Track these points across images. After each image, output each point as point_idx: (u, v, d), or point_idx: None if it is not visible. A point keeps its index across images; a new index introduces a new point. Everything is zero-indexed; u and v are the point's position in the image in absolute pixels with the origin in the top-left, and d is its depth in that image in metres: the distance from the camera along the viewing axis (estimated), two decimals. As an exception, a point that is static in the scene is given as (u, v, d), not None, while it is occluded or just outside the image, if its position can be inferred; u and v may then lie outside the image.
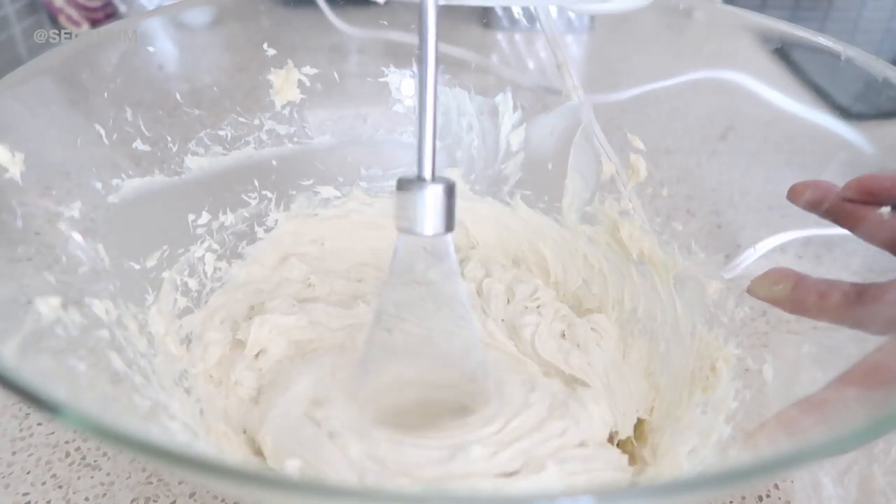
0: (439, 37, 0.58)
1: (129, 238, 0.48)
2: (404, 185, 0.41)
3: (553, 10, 0.62)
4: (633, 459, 0.48)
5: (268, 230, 0.59)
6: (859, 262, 0.43)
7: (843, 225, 0.42)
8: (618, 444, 0.49)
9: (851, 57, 0.46)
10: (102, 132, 0.48)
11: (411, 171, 0.59)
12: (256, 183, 0.58)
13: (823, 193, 0.42)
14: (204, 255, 0.55)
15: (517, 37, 0.64)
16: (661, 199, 0.56)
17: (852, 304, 0.38)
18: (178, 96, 0.53)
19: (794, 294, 0.41)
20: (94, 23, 1.00)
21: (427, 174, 0.40)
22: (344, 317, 0.56)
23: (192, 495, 0.47)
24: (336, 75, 0.59)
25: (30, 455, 0.49)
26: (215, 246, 0.56)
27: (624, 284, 0.58)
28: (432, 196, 0.40)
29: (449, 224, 0.41)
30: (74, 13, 0.98)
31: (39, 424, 0.51)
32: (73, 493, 0.47)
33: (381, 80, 0.60)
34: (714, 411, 0.44)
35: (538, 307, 0.57)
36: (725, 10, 0.54)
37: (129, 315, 0.44)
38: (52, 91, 0.45)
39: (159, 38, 0.52)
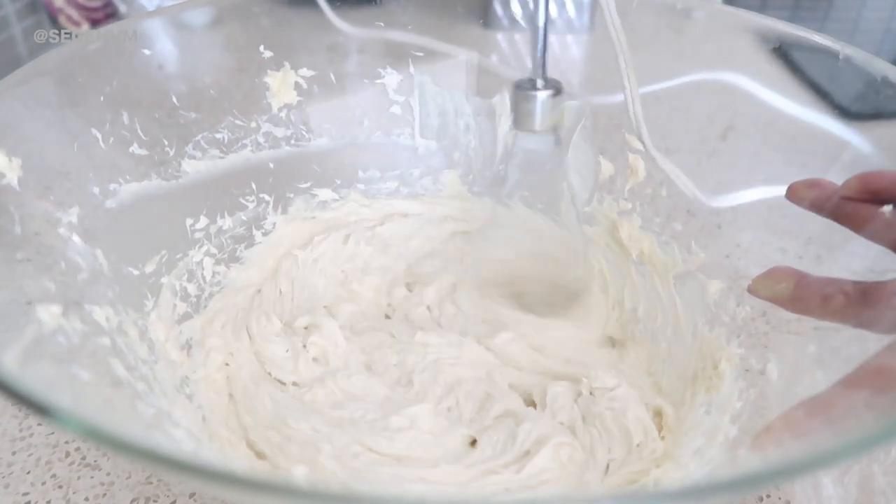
0: (437, 36, 0.58)
1: (128, 243, 0.48)
2: (520, 87, 0.49)
3: (554, 11, 0.62)
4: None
5: (266, 233, 0.59)
6: (860, 261, 0.43)
7: (843, 224, 0.42)
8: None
9: (850, 56, 0.46)
10: (99, 136, 0.47)
11: (409, 171, 0.60)
12: (254, 186, 0.58)
13: (823, 193, 0.42)
14: (202, 260, 0.54)
15: (517, 37, 0.64)
16: (661, 199, 0.56)
17: (855, 303, 0.38)
18: (174, 99, 0.53)
19: (796, 293, 0.40)
20: (94, 23, 1.00)
21: (540, 78, 0.49)
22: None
23: (192, 495, 0.47)
24: (333, 77, 0.59)
25: (30, 455, 0.49)
26: (213, 250, 0.55)
27: (624, 284, 0.58)
28: (542, 100, 0.49)
29: (558, 125, 0.51)
30: (74, 13, 0.98)
31: (39, 424, 0.51)
32: (73, 493, 0.47)
33: (379, 81, 0.60)
34: (719, 411, 0.44)
35: None
36: (725, 10, 0.54)
37: (130, 321, 0.44)
38: (50, 94, 0.45)
39: (159, 38, 0.52)
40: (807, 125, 0.49)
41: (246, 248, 0.58)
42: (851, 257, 0.44)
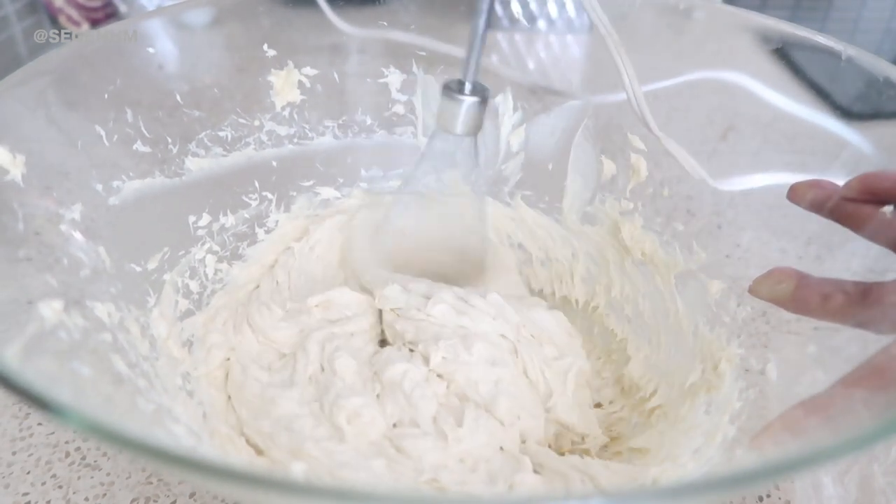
0: (440, 36, 0.59)
1: (130, 240, 0.48)
2: (449, 88, 0.51)
3: (554, 10, 0.62)
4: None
5: (268, 231, 0.59)
6: (860, 261, 0.43)
7: (844, 224, 0.42)
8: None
9: (852, 56, 0.46)
10: (103, 133, 0.47)
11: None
12: (257, 184, 0.58)
13: (824, 193, 0.42)
14: (205, 257, 0.55)
15: (517, 37, 0.64)
16: (662, 199, 0.56)
17: (856, 304, 0.38)
18: (178, 97, 0.53)
19: (797, 294, 0.40)
20: (94, 23, 1.00)
21: (468, 83, 0.50)
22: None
23: (192, 495, 0.47)
24: (336, 76, 0.59)
25: (30, 455, 0.49)
26: (216, 247, 0.55)
27: (624, 284, 0.58)
28: (468, 105, 0.50)
29: (476, 127, 0.52)
30: (74, 13, 0.98)
31: (39, 424, 0.51)
32: (73, 493, 0.47)
33: (381, 80, 0.60)
34: (718, 411, 0.44)
35: None
36: (725, 9, 0.54)
37: (131, 318, 0.44)
38: (53, 92, 0.45)
39: (160, 38, 0.52)
40: (807, 125, 0.49)
41: (248, 245, 0.58)
42: (851, 257, 0.44)
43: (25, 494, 0.47)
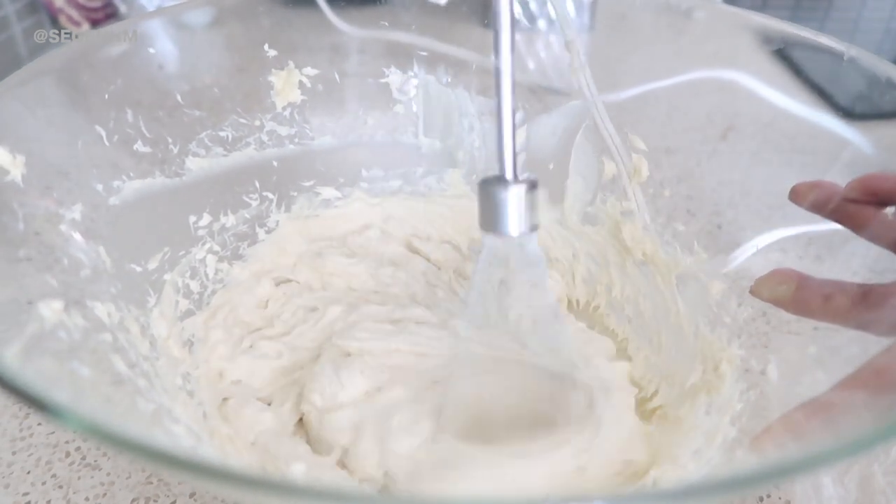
0: (440, 36, 0.58)
1: (131, 240, 0.48)
2: (487, 184, 0.40)
3: (552, 11, 0.62)
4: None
5: (269, 231, 0.59)
6: (860, 262, 0.43)
7: (846, 225, 0.41)
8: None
9: (855, 57, 0.46)
10: (103, 133, 0.47)
11: (412, 170, 0.59)
12: (257, 184, 0.58)
13: (826, 194, 0.42)
14: (205, 257, 0.55)
15: (517, 37, 0.64)
16: (663, 200, 0.56)
17: (857, 305, 0.38)
18: (178, 97, 0.53)
19: (798, 295, 0.40)
20: (94, 23, 1.00)
21: (509, 175, 0.40)
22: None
23: (192, 495, 0.47)
24: (337, 76, 0.59)
25: (30, 455, 0.49)
26: (216, 247, 0.55)
27: (625, 284, 0.58)
28: (515, 196, 0.39)
29: (534, 223, 0.41)
30: (74, 13, 0.98)
31: (39, 424, 0.51)
32: (73, 493, 0.47)
33: (382, 80, 0.60)
34: (719, 412, 0.44)
35: None
36: (725, 9, 0.54)
37: (132, 318, 0.44)
38: (53, 92, 0.45)
39: (160, 38, 0.52)
40: (807, 125, 0.49)
41: (249, 245, 0.58)
42: (851, 257, 0.44)
43: (25, 494, 0.47)
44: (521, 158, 0.61)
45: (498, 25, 0.38)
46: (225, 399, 0.49)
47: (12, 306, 0.36)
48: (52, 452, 0.50)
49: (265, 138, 0.58)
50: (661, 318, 0.54)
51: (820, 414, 0.32)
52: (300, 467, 0.41)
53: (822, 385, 0.34)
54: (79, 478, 0.48)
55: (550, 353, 0.49)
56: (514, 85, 0.39)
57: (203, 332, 0.52)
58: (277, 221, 0.60)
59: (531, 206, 0.40)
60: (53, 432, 0.51)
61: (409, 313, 0.56)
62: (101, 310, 0.41)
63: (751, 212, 0.52)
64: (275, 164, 0.59)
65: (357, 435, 0.45)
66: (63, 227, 0.42)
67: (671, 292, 0.54)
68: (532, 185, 0.40)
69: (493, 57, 0.39)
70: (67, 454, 0.50)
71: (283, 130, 0.58)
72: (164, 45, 0.52)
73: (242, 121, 0.56)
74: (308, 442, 0.48)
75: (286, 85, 0.57)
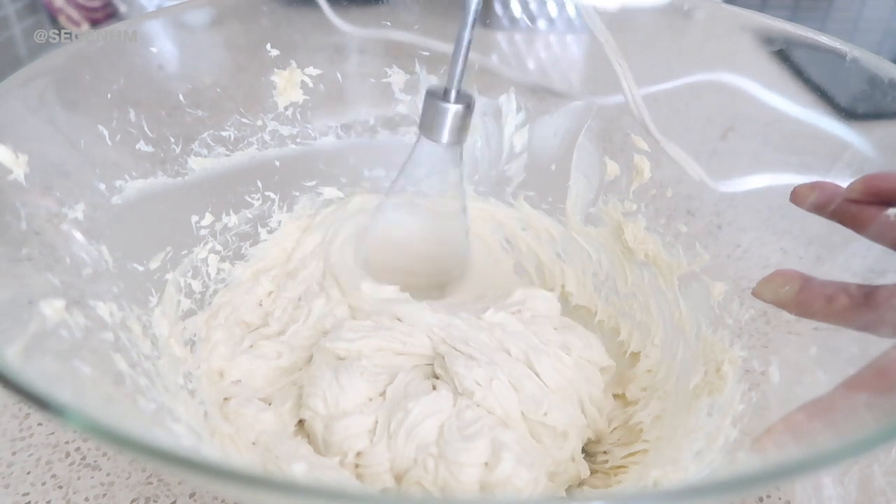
0: (441, 36, 0.58)
1: (133, 239, 0.48)
2: (432, 95, 0.50)
3: (554, 10, 0.62)
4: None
5: (271, 231, 0.59)
6: (860, 262, 0.43)
7: (847, 226, 0.41)
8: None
9: (857, 57, 0.46)
10: (105, 133, 0.47)
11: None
12: (259, 184, 0.58)
13: (827, 195, 0.42)
14: (207, 257, 0.55)
15: (517, 37, 0.64)
16: (665, 200, 0.56)
17: (859, 306, 0.38)
18: (180, 97, 0.53)
19: (800, 296, 0.40)
20: (94, 23, 1.00)
21: (453, 89, 0.49)
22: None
23: (192, 495, 0.47)
24: (339, 76, 0.59)
25: (30, 455, 0.49)
26: (218, 247, 0.56)
27: (627, 285, 0.58)
28: (454, 112, 0.49)
29: (462, 136, 0.51)
30: (74, 13, 0.98)
31: (39, 424, 0.51)
32: (73, 493, 0.47)
33: (384, 80, 0.60)
34: (720, 414, 0.44)
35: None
36: (726, 10, 0.54)
37: (133, 317, 0.44)
38: (55, 92, 0.45)
39: (160, 38, 0.52)
40: (807, 125, 0.49)
41: (251, 245, 0.58)
42: (852, 257, 0.44)
43: (25, 494, 0.47)
44: (522, 159, 0.61)
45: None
46: (226, 399, 0.49)
47: (14, 305, 0.36)
48: (52, 452, 0.50)
49: (267, 138, 0.58)
50: (664, 319, 0.54)
51: (822, 415, 0.32)
52: (301, 467, 0.41)
53: (824, 386, 0.34)
54: (79, 478, 0.48)
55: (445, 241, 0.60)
56: (476, 20, 0.47)
57: (205, 331, 0.52)
58: (279, 221, 0.60)
59: (463, 124, 0.50)
60: (53, 432, 0.51)
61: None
62: (103, 309, 0.41)
63: (750, 212, 0.52)
64: (277, 163, 0.59)
65: (372, 439, 0.47)
66: (65, 227, 0.43)
67: (673, 294, 0.54)
68: (468, 106, 0.50)
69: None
70: (67, 454, 0.50)
71: (286, 130, 0.58)
72: (164, 45, 0.52)
73: (244, 120, 0.56)
74: (310, 443, 0.48)
75: (288, 84, 0.57)
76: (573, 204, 0.60)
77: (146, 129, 0.50)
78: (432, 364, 0.52)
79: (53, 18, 0.99)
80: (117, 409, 0.35)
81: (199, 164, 0.54)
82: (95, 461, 0.49)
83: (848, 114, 0.47)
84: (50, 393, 0.27)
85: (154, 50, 0.51)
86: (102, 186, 0.47)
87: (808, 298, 0.40)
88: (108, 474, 0.48)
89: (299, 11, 0.57)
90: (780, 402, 0.43)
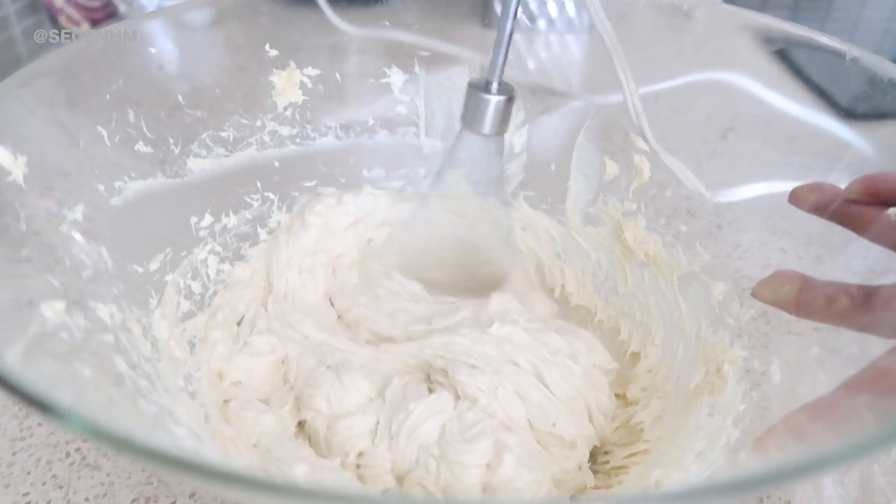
0: (441, 36, 0.58)
1: (132, 241, 0.48)
2: (474, 87, 0.51)
3: (554, 10, 0.62)
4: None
5: (270, 232, 0.59)
6: (860, 262, 0.43)
7: (847, 227, 0.41)
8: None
9: (857, 57, 0.46)
10: (104, 133, 0.47)
11: (414, 171, 0.59)
12: (259, 184, 0.58)
13: (827, 196, 0.42)
14: (207, 258, 0.54)
15: (517, 37, 0.64)
16: (665, 200, 0.56)
17: (860, 307, 0.38)
18: (179, 97, 0.53)
19: (801, 297, 0.40)
20: (94, 23, 1.00)
21: (495, 82, 0.50)
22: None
23: (192, 495, 0.47)
24: (338, 76, 0.59)
25: (30, 455, 0.49)
26: (218, 248, 0.55)
27: (627, 285, 0.58)
28: (496, 103, 0.50)
29: (504, 127, 0.52)
30: (74, 13, 0.98)
31: (39, 425, 0.51)
32: (73, 493, 0.47)
33: (383, 80, 0.60)
34: (721, 414, 0.44)
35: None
36: (726, 9, 0.54)
37: (133, 319, 0.44)
38: (54, 92, 0.45)
39: (160, 38, 0.52)
40: (807, 125, 0.49)
41: (251, 246, 0.58)
42: (852, 258, 0.44)
43: (25, 494, 0.47)
44: (522, 159, 0.61)
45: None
46: (226, 401, 0.49)
47: (14, 307, 0.36)
48: (52, 452, 0.50)
49: (266, 138, 0.58)
50: (664, 319, 0.54)
51: (823, 416, 0.32)
52: (303, 469, 0.41)
53: (825, 386, 0.34)
54: (79, 478, 0.48)
55: (491, 227, 0.60)
56: (517, 9, 0.47)
57: (204, 332, 0.52)
58: (279, 222, 0.60)
59: (505, 115, 0.51)
60: (53, 433, 0.51)
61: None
62: (103, 311, 0.41)
63: (750, 212, 0.52)
64: (276, 164, 0.59)
65: (374, 440, 0.47)
66: (64, 228, 0.42)
67: (673, 294, 0.54)
68: (510, 98, 0.51)
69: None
70: (67, 454, 0.50)
71: (285, 130, 0.58)
72: (164, 45, 0.52)
73: (244, 121, 0.56)
74: (311, 445, 0.48)
75: (287, 85, 0.57)
76: (573, 204, 0.60)
77: (145, 129, 0.50)
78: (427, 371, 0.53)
79: (53, 18, 0.99)
80: (118, 411, 0.35)
81: (199, 165, 0.54)
82: (95, 461, 0.49)
83: (848, 113, 0.47)
84: (50, 395, 0.26)
85: (154, 50, 0.51)
86: (101, 187, 0.47)
87: (808, 299, 0.40)
88: (108, 474, 0.48)
89: (299, 11, 0.57)
90: (781, 402, 0.43)
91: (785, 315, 0.42)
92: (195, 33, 0.54)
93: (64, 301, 0.37)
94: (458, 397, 0.49)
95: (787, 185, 0.44)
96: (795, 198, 0.43)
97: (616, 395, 0.54)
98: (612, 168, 0.58)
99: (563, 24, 0.64)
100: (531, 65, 0.64)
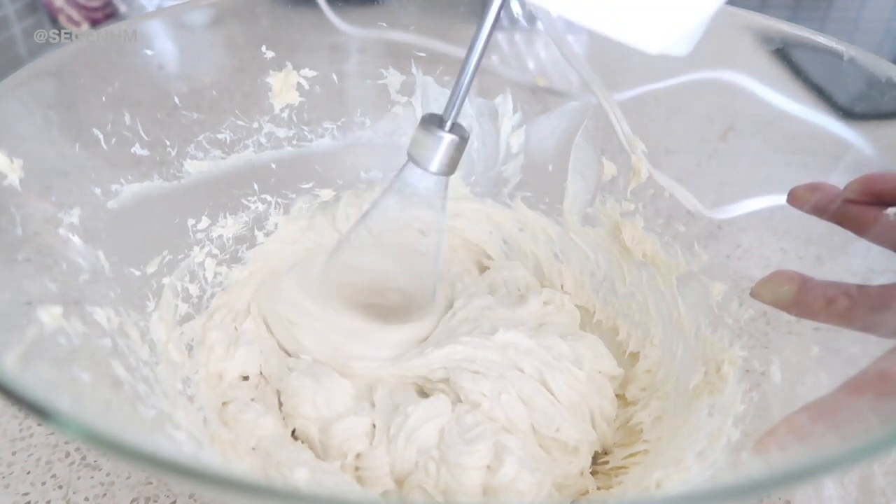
0: (439, 37, 0.58)
1: (129, 244, 0.48)
2: (427, 122, 0.47)
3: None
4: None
5: (268, 234, 0.59)
6: (860, 262, 0.43)
7: (847, 227, 0.41)
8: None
9: (854, 57, 0.46)
10: (101, 136, 0.47)
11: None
12: (256, 186, 0.58)
13: (825, 196, 0.42)
14: (204, 261, 0.54)
15: (517, 37, 0.64)
16: (663, 200, 0.56)
17: (860, 307, 0.38)
18: (176, 99, 0.52)
19: (800, 297, 0.40)
20: (94, 23, 1.00)
21: (450, 119, 0.46)
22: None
23: (191, 496, 0.47)
24: (335, 77, 0.59)
25: (30, 455, 0.49)
26: (215, 251, 0.55)
27: (626, 286, 0.58)
28: (449, 142, 0.47)
29: (451, 168, 0.48)
30: (74, 13, 0.98)
31: (39, 425, 0.51)
32: (73, 493, 0.47)
33: (381, 81, 0.60)
34: (721, 414, 0.44)
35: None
36: (726, 10, 0.53)
37: (131, 322, 0.44)
38: (51, 94, 0.45)
39: (159, 38, 0.51)
40: (807, 125, 0.49)
41: (248, 248, 0.58)
42: (851, 257, 0.44)
43: (25, 494, 0.47)
44: (519, 160, 0.61)
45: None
46: (224, 403, 0.49)
47: (11, 310, 0.36)
48: (52, 452, 0.50)
49: (263, 140, 0.58)
50: (663, 319, 0.54)
51: (825, 417, 0.32)
52: (303, 473, 0.41)
53: (825, 386, 0.34)
54: (79, 478, 0.48)
55: (413, 278, 0.57)
56: (486, 46, 0.43)
57: (201, 334, 0.52)
58: (276, 224, 0.60)
59: (455, 155, 0.48)
60: (53, 433, 0.51)
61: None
62: (101, 314, 0.41)
63: (750, 212, 0.52)
64: (273, 166, 0.58)
65: (371, 442, 0.47)
66: (61, 231, 0.42)
67: (672, 294, 0.54)
68: (463, 139, 0.47)
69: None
70: (67, 454, 0.50)
71: (282, 132, 0.58)
72: (163, 46, 0.52)
73: (241, 123, 0.56)
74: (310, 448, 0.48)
75: (284, 86, 0.57)
76: (570, 204, 0.60)
77: (142, 132, 0.50)
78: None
79: (53, 18, 0.99)
80: (116, 416, 0.35)
81: (195, 168, 0.54)
82: (95, 461, 0.49)
83: (847, 113, 0.47)
84: (48, 400, 0.26)
85: (153, 51, 0.51)
86: (98, 190, 0.46)
87: (807, 299, 0.40)
88: (108, 474, 0.48)
89: (298, 11, 0.57)
90: (781, 402, 0.43)
91: (785, 315, 0.43)
92: (195, 33, 0.54)
93: (61, 305, 0.37)
94: (457, 401, 0.49)
95: (786, 185, 0.44)
96: (795, 198, 0.43)
97: (615, 396, 0.54)
98: (609, 168, 0.58)
99: (564, 23, 0.64)
100: (531, 65, 0.64)
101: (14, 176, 0.40)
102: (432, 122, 0.47)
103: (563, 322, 0.57)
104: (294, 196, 0.60)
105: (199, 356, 0.50)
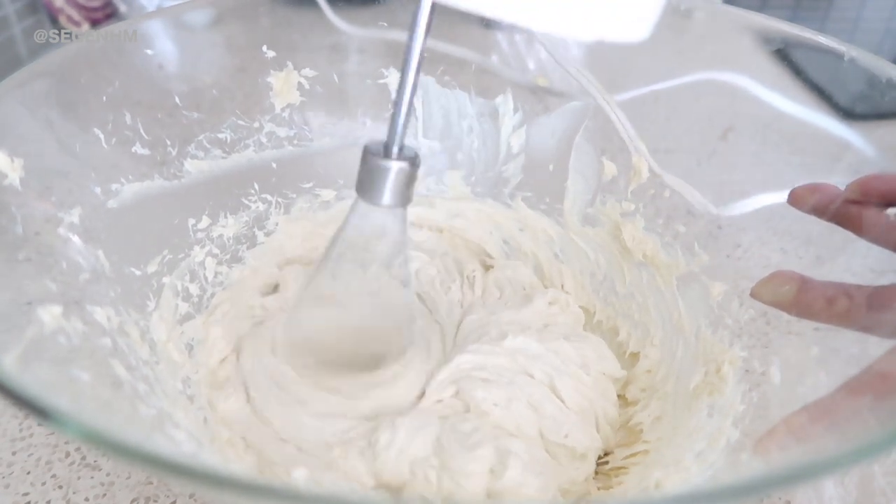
0: (440, 37, 0.58)
1: (130, 243, 0.48)
2: (371, 152, 0.42)
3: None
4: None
5: (268, 233, 0.59)
6: (860, 262, 0.43)
7: (847, 228, 0.41)
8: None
9: (855, 57, 0.46)
10: (101, 136, 0.47)
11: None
12: (256, 186, 0.58)
13: (825, 197, 0.42)
14: (204, 260, 0.54)
15: (517, 37, 0.64)
16: (663, 200, 0.56)
17: (859, 307, 0.38)
18: (177, 99, 0.52)
19: (800, 297, 0.40)
20: (94, 23, 1.00)
21: (395, 147, 0.41)
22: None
23: (192, 496, 0.47)
24: (336, 77, 0.59)
25: (30, 455, 0.49)
26: (216, 250, 0.55)
27: (626, 286, 0.58)
28: (398, 171, 0.41)
29: (406, 197, 0.43)
30: (74, 13, 0.98)
31: (40, 425, 0.51)
32: (73, 493, 0.47)
33: (381, 81, 0.60)
34: (721, 414, 0.44)
35: None
36: (726, 10, 0.54)
37: (131, 322, 0.44)
38: (52, 94, 0.45)
39: (160, 38, 0.51)
40: (807, 126, 0.49)
41: (248, 248, 0.58)
42: (851, 257, 0.44)
43: (25, 494, 0.47)
44: (520, 160, 0.61)
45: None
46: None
47: (11, 309, 0.36)
48: (52, 452, 0.50)
49: (264, 140, 0.58)
50: (663, 319, 0.54)
51: (824, 418, 0.32)
52: (302, 472, 0.41)
53: (825, 386, 0.34)
54: (79, 478, 0.48)
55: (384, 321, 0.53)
56: (421, 62, 0.40)
57: (203, 331, 0.52)
58: (276, 224, 0.60)
59: (408, 183, 0.42)
60: (53, 433, 0.51)
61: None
62: (101, 314, 0.41)
63: (750, 212, 0.52)
64: (274, 165, 0.58)
65: (345, 450, 0.46)
66: (62, 231, 0.42)
67: (672, 294, 0.54)
68: (413, 163, 0.42)
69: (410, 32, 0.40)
70: (67, 454, 0.50)
71: (282, 132, 0.58)
72: (164, 45, 0.52)
73: (241, 122, 0.56)
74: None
75: (285, 86, 0.57)
76: (571, 204, 0.60)
77: (142, 131, 0.50)
78: None
79: (53, 18, 0.99)
80: (116, 416, 0.35)
81: (196, 167, 0.54)
82: (95, 461, 0.49)
83: (847, 113, 0.47)
84: (48, 400, 0.26)
85: (154, 51, 0.51)
86: (98, 190, 0.46)
87: (807, 300, 0.40)
88: (108, 474, 0.48)
89: (299, 11, 0.57)
90: (781, 402, 0.43)
91: (785, 315, 0.43)
92: (195, 33, 0.54)
93: (61, 305, 0.37)
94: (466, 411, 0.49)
95: (786, 185, 0.44)
96: (795, 199, 0.43)
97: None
98: (610, 168, 0.58)
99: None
100: (531, 65, 0.64)
101: (14, 175, 0.40)
102: (376, 152, 0.42)
103: (567, 323, 0.57)
104: (295, 196, 0.60)
105: (199, 356, 0.50)
